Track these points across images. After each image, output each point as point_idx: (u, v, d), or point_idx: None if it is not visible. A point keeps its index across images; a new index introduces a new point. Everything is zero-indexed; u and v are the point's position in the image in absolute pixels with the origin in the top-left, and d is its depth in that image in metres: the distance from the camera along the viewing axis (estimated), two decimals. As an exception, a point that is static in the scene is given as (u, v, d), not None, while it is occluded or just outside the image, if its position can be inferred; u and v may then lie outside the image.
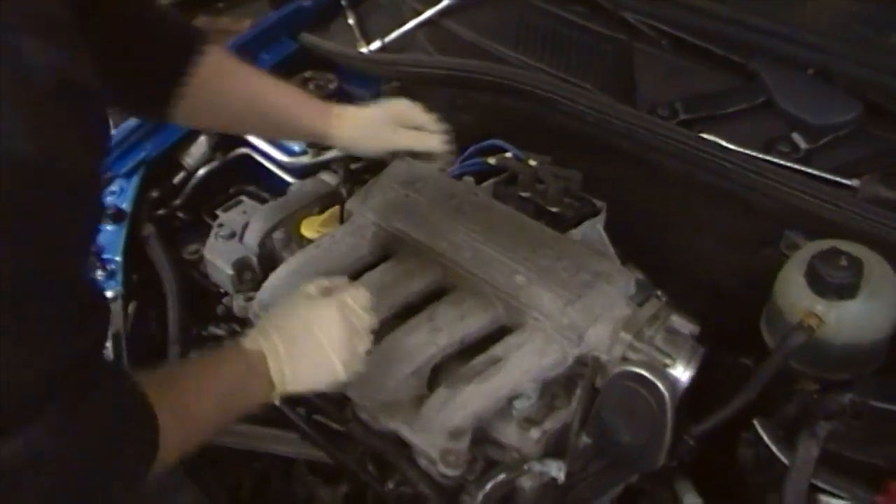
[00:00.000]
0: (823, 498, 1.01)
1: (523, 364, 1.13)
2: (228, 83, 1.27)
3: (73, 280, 0.81)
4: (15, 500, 0.77)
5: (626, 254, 1.33)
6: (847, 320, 1.14)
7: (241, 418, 1.10)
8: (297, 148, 1.55)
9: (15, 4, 0.70)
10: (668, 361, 1.10)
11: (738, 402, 1.14)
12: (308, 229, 1.38)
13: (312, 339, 1.08)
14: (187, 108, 1.22)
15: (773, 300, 1.20)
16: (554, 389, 1.15)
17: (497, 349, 1.15)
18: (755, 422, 1.13)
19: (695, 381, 1.18)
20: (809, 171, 1.22)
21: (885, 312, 1.16)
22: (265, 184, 1.58)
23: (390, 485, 1.17)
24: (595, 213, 1.34)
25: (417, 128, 1.33)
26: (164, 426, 0.89)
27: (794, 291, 1.17)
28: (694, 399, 1.18)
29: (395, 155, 1.36)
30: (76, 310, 0.80)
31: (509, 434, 1.12)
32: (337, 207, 1.39)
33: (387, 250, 1.31)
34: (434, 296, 1.24)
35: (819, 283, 1.13)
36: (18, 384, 0.74)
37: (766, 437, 1.11)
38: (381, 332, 1.18)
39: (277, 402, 1.13)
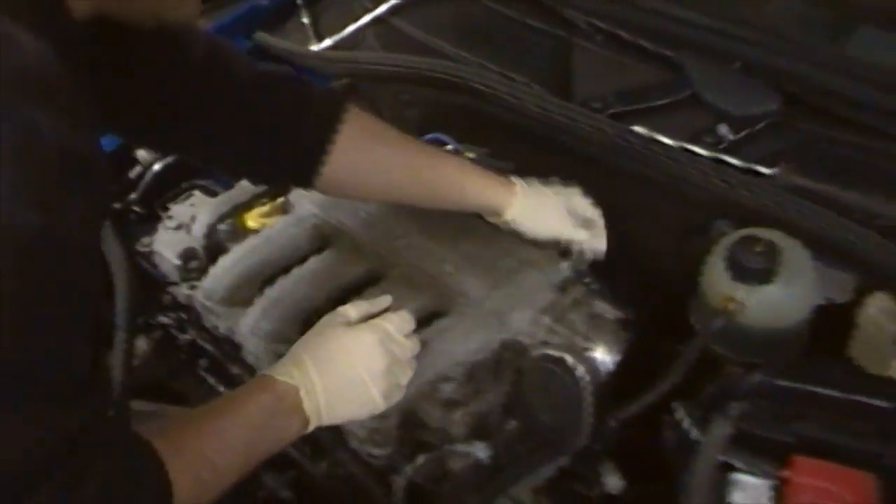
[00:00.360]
0: (734, 475, 1.04)
1: (448, 348, 1.16)
2: (377, 150, 1.22)
3: (72, 352, 0.76)
4: None
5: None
6: (766, 305, 1.17)
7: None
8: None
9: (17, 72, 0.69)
10: (587, 345, 1.14)
11: (662, 387, 1.17)
12: (252, 220, 1.41)
13: (351, 370, 1.04)
14: (333, 176, 1.18)
15: (699, 287, 1.24)
16: (480, 373, 1.17)
17: (424, 334, 1.17)
18: (675, 404, 1.16)
19: (621, 366, 1.24)
20: (730, 160, 1.25)
21: (803, 297, 1.19)
22: (217, 177, 1.59)
23: (324, 466, 1.21)
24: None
25: (586, 221, 1.28)
26: (179, 486, 0.84)
27: (715, 278, 1.20)
28: (629, 384, 1.22)
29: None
30: (74, 382, 0.76)
31: (435, 416, 1.14)
32: (281, 200, 1.42)
33: (325, 240, 1.34)
34: (368, 283, 1.26)
35: (737, 269, 1.16)
36: (9, 461, 0.70)
37: (683, 419, 1.14)
38: (313, 317, 1.22)
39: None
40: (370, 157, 1.21)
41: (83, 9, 0.84)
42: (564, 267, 1.23)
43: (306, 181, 1.21)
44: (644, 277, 1.37)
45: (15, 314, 0.67)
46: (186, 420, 0.97)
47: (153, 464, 0.84)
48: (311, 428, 1.02)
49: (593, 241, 1.27)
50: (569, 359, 1.09)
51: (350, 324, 1.08)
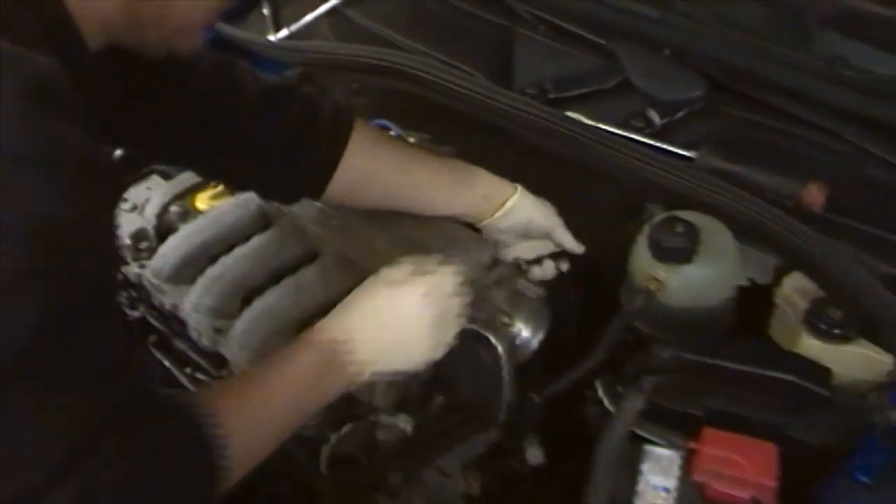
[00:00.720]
0: (646, 447, 1.07)
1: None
2: (379, 160, 1.24)
3: (106, 333, 0.78)
4: None
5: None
6: (686, 284, 1.20)
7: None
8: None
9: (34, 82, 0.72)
10: (506, 321, 1.17)
11: (588, 364, 1.19)
12: (201, 202, 1.44)
13: (398, 325, 1.04)
14: (338, 188, 1.21)
15: (627, 269, 1.27)
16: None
17: (353, 310, 1.22)
18: (596, 381, 1.20)
19: (546, 343, 1.26)
20: (658, 144, 1.29)
21: (723, 277, 1.22)
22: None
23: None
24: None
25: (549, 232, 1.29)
26: (232, 445, 0.85)
27: (639, 258, 1.23)
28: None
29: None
30: (117, 359, 0.78)
31: (362, 387, 1.19)
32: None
33: (268, 220, 1.37)
34: (305, 262, 1.29)
35: (657, 249, 1.19)
36: (65, 438, 0.71)
37: (602, 394, 1.17)
38: (252, 294, 1.26)
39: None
40: (373, 171, 1.24)
41: (98, 41, 0.88)
42: (490, 246, 1.26)
43: (316, 195, 1.24)
44: (583, 259, 1.41)
45: (61, 302, 0.70)
46: (237, 382, 1.00)
47: (206, 424, 0.84)
48: (357, 382, 1.03)
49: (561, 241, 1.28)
50: (488, 334, 1.12)
51: (399, 280, 1.07)
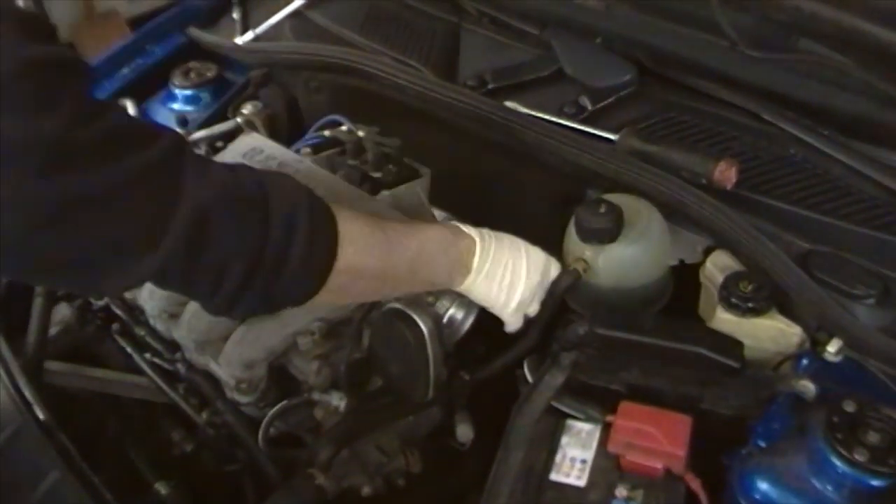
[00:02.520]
0: (567, 421, 1.08)
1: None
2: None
3: None
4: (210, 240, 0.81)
5: (458, 215, 1.41)
6: (611, 264, 1.20)
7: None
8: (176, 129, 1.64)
9: None
10: (430, 299, 1.18)
11: (521, 346, 1.20)
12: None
13: (515, 260, 1.10)
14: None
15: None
16: (343, 328, 1.21)
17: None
18: (525, 360, 1.20)
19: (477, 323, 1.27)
20: (589, 129, 1.29)
21: (650, 256, 1.22)
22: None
23: (205, 415, 1.26)
24: (416, 177, 1.43)
25: None
26: (355, 237, 0.92)
27: (569, 241, 1.24)
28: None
29: None
30: None
31: (297, 367, 1.20)
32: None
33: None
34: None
35: (582, 231, 1.19)
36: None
37: (527, 372, 1.18)
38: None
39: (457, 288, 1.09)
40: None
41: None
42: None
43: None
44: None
45: None
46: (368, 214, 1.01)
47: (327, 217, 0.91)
48: (461, 288, 1.08)
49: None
50: (412, 312, 1.12)
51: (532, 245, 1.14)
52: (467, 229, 1.10)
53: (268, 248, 0.86)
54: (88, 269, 0.81)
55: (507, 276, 1.10)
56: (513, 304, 1.12)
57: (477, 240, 1.09)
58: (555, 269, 1.17)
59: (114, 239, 0.79)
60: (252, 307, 0.91)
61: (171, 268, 0.82)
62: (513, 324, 1.15)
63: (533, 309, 1.15)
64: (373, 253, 0.97)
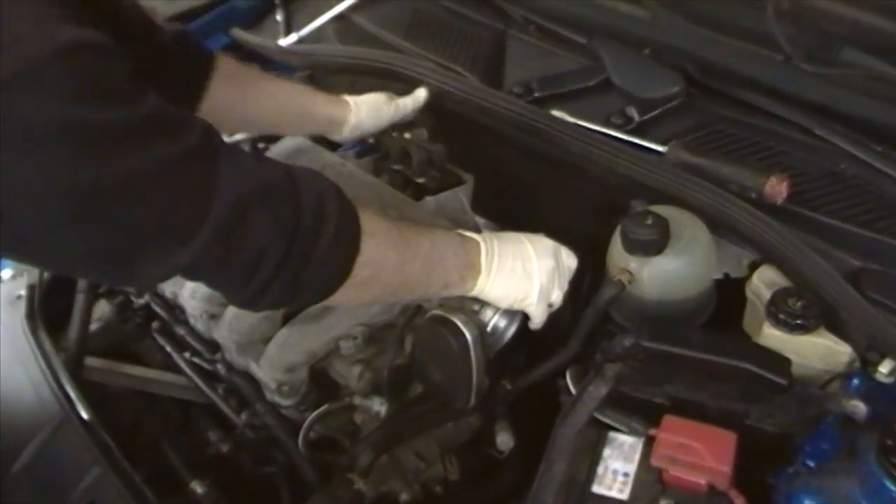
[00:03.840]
0: (609, 433, 1.07)
1: (352, 309, 1.20)
2: (244, 86, 1.34)
3: None
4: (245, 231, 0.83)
5: (500, 223, 1.42)
6: (656, 276, 1.19)
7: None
8: (217, 130, 1.66)
9: None
10: (475, 307, 1.18)
11: (562, 356, 1.21)
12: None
13: (524, 255, 1.13)
14: (209, 112, 1.24)
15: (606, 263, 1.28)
16: (382, 333, 1.22)
17: (333, 296, 1.24)
18: (567, 370, 1.20)
19: (521, 331, 1.27)
20: (636, 140, 1.29)
21: (695, 269, 1.21)
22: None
23: (244, 416, 1.27)
24: (459, 184, 1.43)
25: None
26: (377, 235, 0.95)
27: (613, 252, 1.24)
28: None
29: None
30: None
31: (339, 371, 1.21)
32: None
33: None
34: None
35: (628, 242, 1.18)
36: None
37: (570, 383, 1.18)
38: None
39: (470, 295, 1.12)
40: (237, 96, 1.32)
41: None
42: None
43: None
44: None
45: None
46: (385, 218, 1.03)
47: (353, 218, 0.94)
48: (475, 291, 1.10)
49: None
50: (456, 319, 1.13)
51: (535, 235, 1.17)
52: (469, 234, 1.12)
53: (298, 237, 0.88)
54: (122, 259, 0.81)
55: (518, 267, 1.12)
56: (534, 294, 1.13)
57: (480, 241, 1.11)
58: (566, 254, 1.18)
59: (149, 227, 0.79)
60: (278, 300, 0.92)
61: (207, 258, 0.82)
62: (538, 316, 1.16)
63: (556, 297, 1.16)
64: (392, 247, 1.00)
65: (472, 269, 1.09)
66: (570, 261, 1.18)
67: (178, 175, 0.80)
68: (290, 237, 0.87)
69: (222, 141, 0.86)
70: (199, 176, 0.81)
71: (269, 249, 0.86)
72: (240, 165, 0.85)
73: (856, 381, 1.04)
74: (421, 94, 1.43)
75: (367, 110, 1.41)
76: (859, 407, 0.96)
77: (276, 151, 1.46)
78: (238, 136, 1.60)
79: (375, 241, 0.96)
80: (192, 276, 0.89)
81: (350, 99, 1.41)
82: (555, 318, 1.30)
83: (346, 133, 1.42)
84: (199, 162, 0.81)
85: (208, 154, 0.83)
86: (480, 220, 1.40)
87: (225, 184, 0.81)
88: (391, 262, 1.00)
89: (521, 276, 1.12)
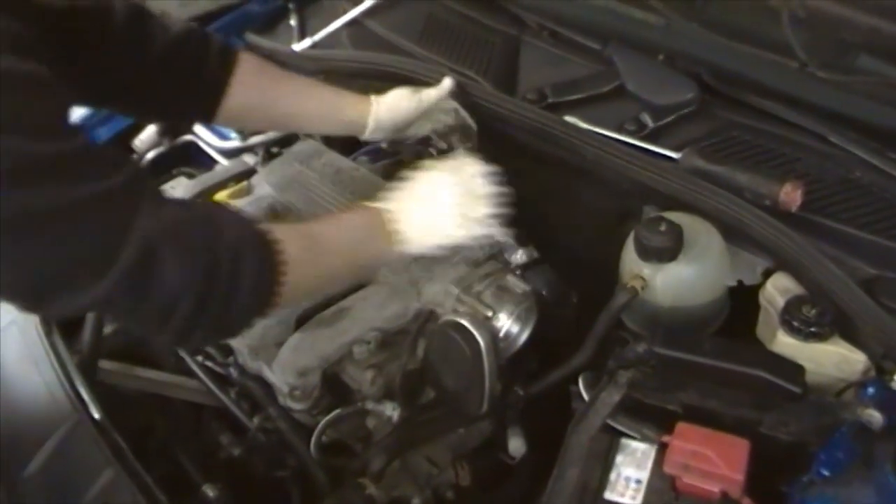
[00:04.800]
0: (622, 439, 1.07)
1: (366, 314, 1.21)
2: (267, 85, 1.36)
3: None
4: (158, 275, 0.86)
5: (513, 228, 1.42)
6: (670, 283, 1.20)
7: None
8: (232, 135, 1.67)
9: None
10: (489, 314, 1.18)
11: (575, 362, 1.21)
12: (219, 200, 1.50)
13: (431, 199, 1.15)
14: (232, 112, 1.32)
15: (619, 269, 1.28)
16: (395, 338, 1.22)
17: (346, 301, 1.23)
18: (580, 376, 1.20)
19: (540, 340, 1.27)
20: (640, 144, 1.28)
21: (709, 276, 1.21)
22: (206, 166, 1.68)
23: (256, 420, 1.27)
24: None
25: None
26: (295, 256, 0.97)
27: (627, 258, 1.24)
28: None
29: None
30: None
31: (351, 376, 1.21)
32: (244, 183, 1.49)
33: (278, 217, 1.40)
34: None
35: (641, 249, 1.19)
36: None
37: (582, 389, 1.18)
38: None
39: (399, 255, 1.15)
40: (259, 93, 1.34)
41: None
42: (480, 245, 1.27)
43: (210, 118, 1.34)
44: (584, 260, 1.41)
45: None
46: (294, 225, 1.10)
47: (270, 244, 0.96)
48: (405, 250, 1.13)
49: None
50: (469, 325, 1.13)
51: (433, 168, 1.19)
52: (373, 205, 1.15)
53: (215, 282, 0.91)
54: (33, 289, 0.85)
55: (425, 213, 1.14)
56: (454, 223, 1.14)
57: (384, 208, 1.14)
58: (469, 169, 1.18)
59: (62, 262, 0.83)
60: (207, 337, 1.00)
61: (118, 300, 0.86)
62: (484, 235, 1.17)
63: (480, 210, 1.16)
64: (310, 261, 1.05)
65: (387, 238, 1.12)
66: (471, 168, 1.18)
67: (95, 214, 0.83)
68: (206, 283, 0.90)
69: (151, 188, 0.91)
70: (116, 218, 0.85)
71: (182, 296, 0.88)
72: (160, 211, 0.88)
73: (871, 390, 1.03)
74: (446, 83, 1.40)
75: (385, 108, 1.39)
76: (875, 416, 0.96)
77: (289, 155, 1.47)
78: (254, 139, 1.62)
79: (295, 268, 0.98)
80: (106, 314, 0.96)
81: (373, 99, 1.40)
82: (567, 323, 1.31)
83: (368, 134, 1.41)
84: (118, 204, 0.85)
85: (130, 197, 0.86)
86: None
87: (139, 228, 0.85)
88: (311, 276, 1.06)
89: (432, 218, 1.14)
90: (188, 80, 1.28)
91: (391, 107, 1.39)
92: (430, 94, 1.40)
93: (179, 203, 0.95)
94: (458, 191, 1.15)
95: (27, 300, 0.89)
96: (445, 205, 1.14)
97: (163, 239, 0.86)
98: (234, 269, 0.92)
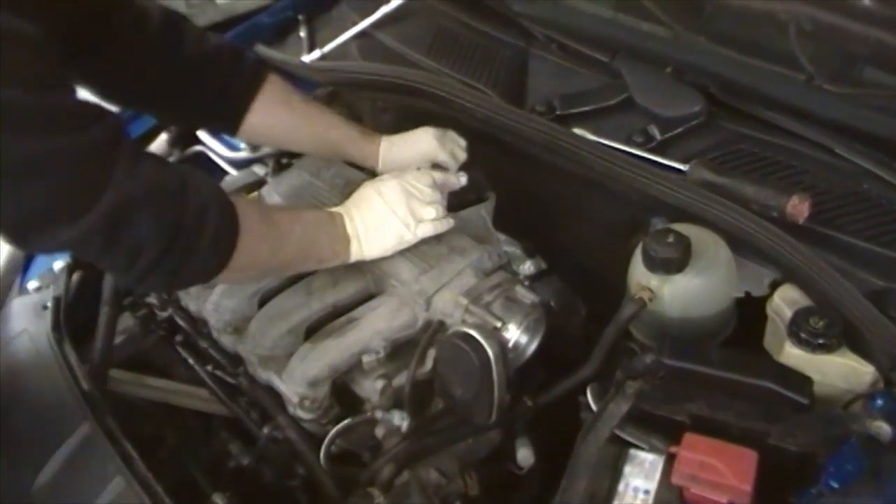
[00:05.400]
0: (630, 450, 1.08)
1: (375, 324, 1.21)
2: (285, 114, 1.43)
3: None
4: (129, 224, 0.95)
5: (521, 239, 1.42)
6: (677, 294, 1.21)
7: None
8: (241, 145, 1.68)
9: None
10: (498, 324, 1.18)
11: (583, 372, 1.21)
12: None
13: (379, 205, 1.23)
14: (252, 127, 1.40)
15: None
16: (405, 349, 1.22)
17: (356, 311, 1.24)
18: (588, 387, 1.21)
19: (548, 351, 1.27)
20: (657, 158, 1.29)
21: (716, 287, 1.22)
22: (216, 176, 1.69)
23: (266, 430, 1.28)
24: (481, 201, 1.44)
25: (440, 163, 1.43)
26: (252, 228, 1.08)
27: (635, 270, 1.24)
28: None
29: None
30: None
31: (361, 385, 1.21)
32: (255, 193, 1.50)
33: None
34: (317, 267, 1.35)
35: (649, 260, 1.19)
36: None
37: (591, 399, 1.18)
38: (268, 297, 1.31)
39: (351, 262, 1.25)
40: (281, 115, 1.42)
41: None
42: (489, 255, 1.29)
43: (233, 130, 1.42)
44: (591, 272, 1.42)
45: None
46: (256, 205, 1.20)
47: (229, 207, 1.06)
48: (353, 257, 1.23)
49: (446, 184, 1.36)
50: (478, 335, 1.13)
51: (381, 179, 1.28)
52: (334, 210, 1.25)
53: (179, 236, 1.01)
54: (18, 227, 0.95)
55: (380, 218, 1.23)
56: (404, 227, 1.23)
57: (343, 214, 1.24)
58: (411, 176, 1.26)
59: (42, 204, 0.92)
60: (158, 284, 1.11)
61: (90, 243, 0.96)
62: (429, 231, 1.26)
63: (428, 211, 1.25)
64: (265, 239, 1.15)
65: (343, 240, 1.22)
66: (420, 180, 1.26)
67: (76, 163, 0.92)
68: (170, 236, 1.00)
69: (130, 141, 1.01)
70: (97, 169, 0.94)
71: (148, 245, 0.99)
72: (137, 167, 0.98)
73: (880, 402, 1.03)
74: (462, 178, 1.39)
75: (397, 151, 1.44)
76: (883, 428, 0.97)
77: (300, 166, 1.48)
78: (264, 151, 1.64)
79: (251, 237, 1.09)
80: (79, 254, 1.07)
81: (385, 139, 1.45)
82: (575, 334, 1.31)
83: (380, 170, 1.45)
84: (99, 156, 0.94)
85: (110, 152, 0.95)
86: (502, 237, 1.41)
87: (118, 182, 0.94)
88: (265, 250, 1.15)
89: (386, 224, 1.23)
90: (216, 91, 1.36)
91: (402, 149, 1.44)
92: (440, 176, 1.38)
93: (156, 159, 1.04)
94: (403, 199, 1.24)
95: (13, 236, 0.97)
96: (391, 211, 1.23)
97: (137, 191, 0.96)
98: (197, 225, 1.02)
